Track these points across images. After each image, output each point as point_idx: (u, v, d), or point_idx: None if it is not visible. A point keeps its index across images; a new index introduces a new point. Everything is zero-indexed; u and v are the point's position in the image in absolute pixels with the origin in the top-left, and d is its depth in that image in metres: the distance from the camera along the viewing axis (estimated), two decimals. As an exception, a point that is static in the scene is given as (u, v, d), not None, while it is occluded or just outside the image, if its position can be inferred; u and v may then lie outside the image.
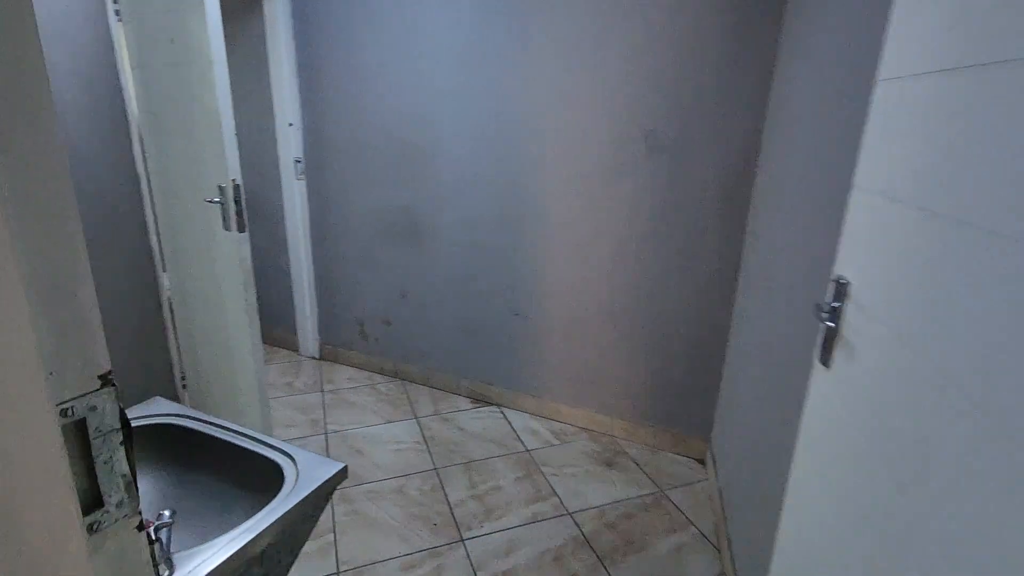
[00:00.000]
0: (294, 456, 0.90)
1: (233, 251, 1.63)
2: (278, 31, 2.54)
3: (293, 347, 3.13)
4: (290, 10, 2.55)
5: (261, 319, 3.22)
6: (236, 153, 1.57)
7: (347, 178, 2.67)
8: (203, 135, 1.63)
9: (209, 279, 1.87)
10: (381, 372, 2.89)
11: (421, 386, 2.77)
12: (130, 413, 1.03)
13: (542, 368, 2.44)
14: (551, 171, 2.18)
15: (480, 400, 2.64)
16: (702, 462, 2.19)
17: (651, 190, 2.03)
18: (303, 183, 2.78)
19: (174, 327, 2.26)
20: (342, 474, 0.91)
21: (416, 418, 2.48)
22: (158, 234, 2.15)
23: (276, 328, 3.17)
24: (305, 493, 0.82)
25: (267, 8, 2.53)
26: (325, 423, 2.42)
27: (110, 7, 1.89)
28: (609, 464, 2.18)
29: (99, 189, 1.95)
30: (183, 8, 1.53)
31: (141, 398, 2.24)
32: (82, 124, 1.87)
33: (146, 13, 1.78)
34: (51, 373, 0.40)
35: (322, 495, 0.86)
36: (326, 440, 2.29)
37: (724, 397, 2.03)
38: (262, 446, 0.94)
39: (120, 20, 1.93)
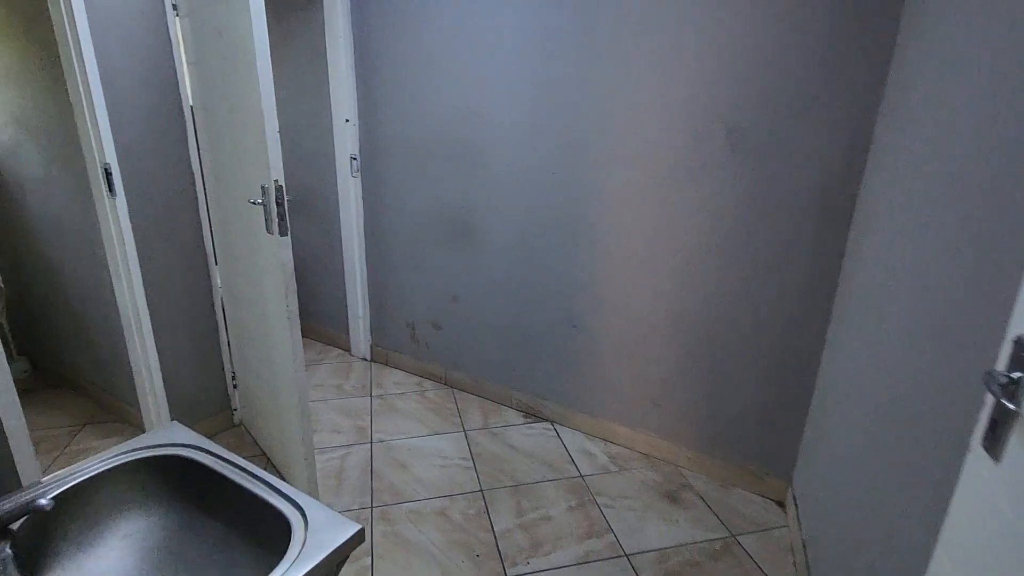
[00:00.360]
0: (306, 512, 0.78)
1: (274, 255, 1.54)
2: (337, 24, 2.46)
3: (345, 347, 3.09)
4: (349, 2, 2.46)
5: (316, 317, 3.22)
6: (279, 152, 1.47)
7: (400, 176, 2.57)
8: (248, 133, 1.55)
9: (254, 281, 1.81)
10: (430, 377, 2.79)
11: (470, 395, 2.65)
12: (146, 439, 0.94)
13: (600, 385, 2.25)
14: (616, 171, 1.97)
15: (532, 415, 2.47)
16: (781, 504, 1.93)
17: (732, 194, 1.78)
18: (358, 180, 2.71)
19: (225, 325, 2.24)
20: (357, 538, 0.77)
21: (464, 431, 2.35)
22: (211, 231, 2.13)
23: (330, 327, 3.14)
24: (313, 563, 0.69)
25: (326, 0, 2.45)
26: (371, 431, 2.34)
27: (168, 1, 1.85)
28: (672, 499, 1.96)
29: (156, 185, 1.93)
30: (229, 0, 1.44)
31: (195, 396, 2.24)
32: (140, 120, 1.85)
33: (199, 6, 1.73)
34: None
35: (333, 563, 0.74)
36: (371, 450, 2.20)
37: (811, 435, 1.76)
38: (274, 494, 0.82)
39: (177, 15, 1.89)
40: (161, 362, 2.04)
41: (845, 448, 1.41)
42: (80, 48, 1.66)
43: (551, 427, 2.39)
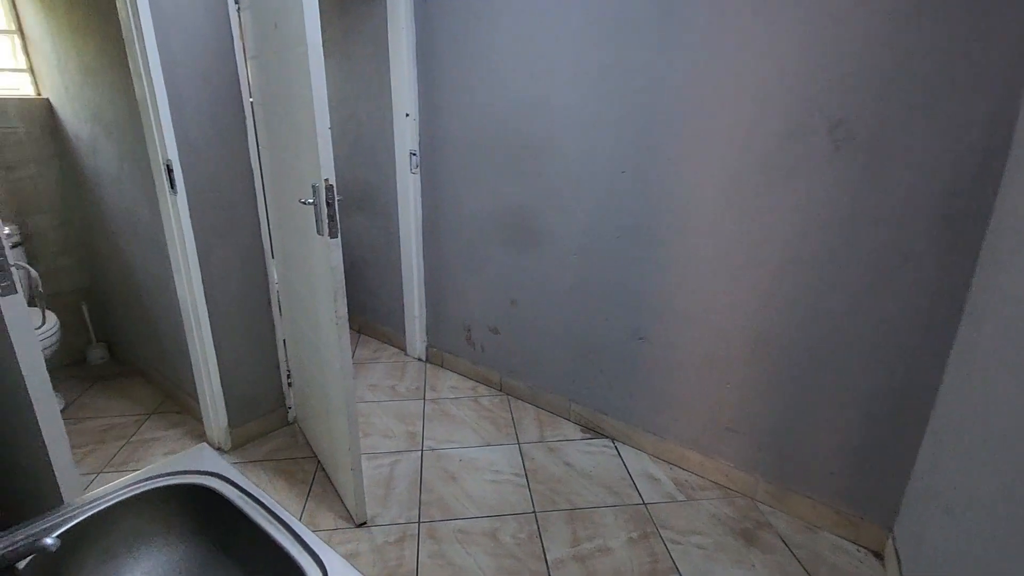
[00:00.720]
0: (328, 569, 0.67)
1: (324, 257, 1.47)
2: (399, 15, 2.38)
3: (401, 346, 3.04)
4: (412, -8, 2.37)
5: (373, 314, 3.19)
6: (330, 150, 1.39)
7: (459, 173, 2.46)
8: (301, 129, 1.48)
9: (306, 281, 1.76)
10: (486, 383, 2.68)
11: (527, 404, 2.52)
12: (172, 463, 0.86)
13: (668, 403, 2.05)
14: (694, 169, 1.77)
15: (592, 430, 2.31)
16: (879, 556, 1.68)
17: (835, 198, 1.54)
18: (417, 177, 2.63)
19: (281, 320, 2.22)
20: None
21: (519, 443, 2.22)
22: (269, 228, 2.10)
23: (386, 325, 3.10)
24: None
25: (389, -9, 2.37)
26: (423, 437, 2.26)
27: (230, -5, 1.82)
28: (747, 538, 1.75)
29: (216, 181, 1.92)
30: (283, -14, 1.37)
31: (251, 392, 2.24)
32: (201, 116, 1.84)
33: (258, -2, 1.68)
34: None
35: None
36: (421, 458, 2.12)
37: (922, 482, 1.50)
38: (297, 545, 0.72)
39: (239, 7, 1.86)
40: (218, 357, 2.04)
41: (971, 505, 1.16)
42: (144, 44, 1.65)
43: (611, 445, 2.22)
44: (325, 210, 1.42)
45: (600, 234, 2.06)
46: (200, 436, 2.23)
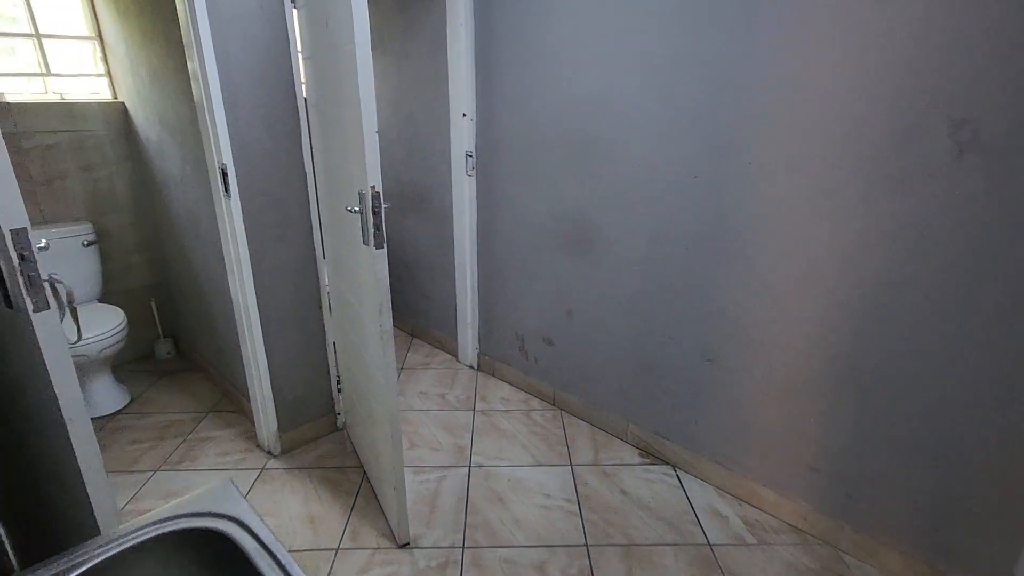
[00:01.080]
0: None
1: (369, 268, 1.39)
2: (458, 10, 2.28)
3: (453, 352, 2.97)
4: (472, -15, 2.27)
5: (426, 318, 3.14)
6: (377, 156, 1.30)
7: (516, 175, 2.34)
8: (349, 132, 1.40)
9: (353, 289, 1.69)
10: (538, 395, 2.56)
11: (581, 421, 2.37)
12: (192, 503, 0.79)
13: (739, 433, 1.86)
14: (782, 176, 1.56)
15: (651, 455, 2.14)
16: (994, 633, 1.42)
17: (955, 212, 1.30)
18: (473, 179, 2.53)
19: (332, 325, 2.18)
20: None
21: (571, 465, 2.09)
22: (321, 231, 2.06)
23: (439, 330, 3.04)
24: None
25: (448, -15, 2.28)
26: (471, 452, 2.16)
27: (286, -5, 1.78)
28: (831, 595, 1.54)
29: (270, 184, 1.89)
30: (334, -18, 1.29)
31: (301, 396, 2.22)
32: (256, 119, 1.81)
33: (313, -4, 1.62)
34: None
35: None
36: (468, 476, 2.02)
37: (1060, 555, 1.25)
38: None
39: (295, 6, 1.81)
40: (269, 360, 2.02)
41: None
42: (200, 46, 1.63)
43: (673, 473, 2.04)
44: (371, 219, 1.34)
45: (666, 243, 1.88)
46: (252, 438, 2.23)
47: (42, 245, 0.94)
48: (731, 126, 1.63)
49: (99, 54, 2.66)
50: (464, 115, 2.42)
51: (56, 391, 0.94)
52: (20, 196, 0.87)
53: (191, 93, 1.87)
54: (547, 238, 2.30)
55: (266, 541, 0.74)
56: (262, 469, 2.06)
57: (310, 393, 2.20)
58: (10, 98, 2.42)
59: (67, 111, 2.53)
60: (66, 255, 2.49)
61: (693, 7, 1.63)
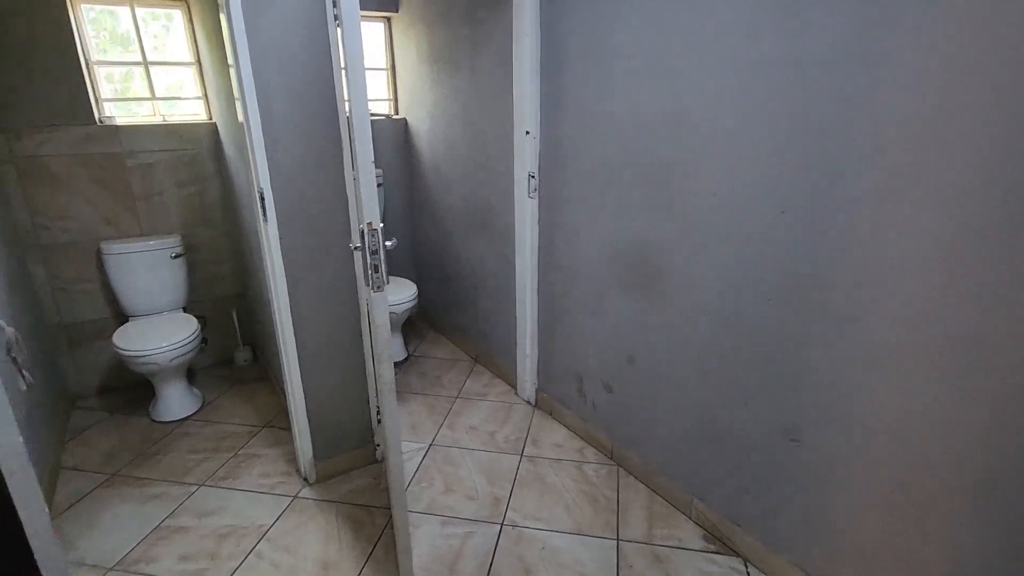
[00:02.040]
0: None
1: (368, 311, 1.23)
2: (524, 23, 2.10)
3: (512, 383, 2.77)
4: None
5: (488, 343, 2.96)
6: (374, 190, 1.15)
7: (580, 199, 2.09)
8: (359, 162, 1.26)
9: (372, 329, 1.55)
10: (596, 445, 2.27)
11: (640, 483, 2.05)
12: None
13: (828, 536, 1.45)
14: (899, 214, 1.17)
15: (717, 540, 1.78)
16: None
17: None
18: (535, 201, 2.32)
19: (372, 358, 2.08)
20: None
21: (617, 539, 1.79)
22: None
23: (500, 357, 2.86)
24: None
25: (516, -5, 2.11)
26: (507, 507, 1.95)
27: (330, 11, 1.70)
28: None
29: (308, 209, 1.83)
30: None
31: (339, 426, 2.11)
32: (294, 142, 1.76)
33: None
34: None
35: None
36: (498, 537, 1.81)
37: None
38: None
39: (338, 25, 1.73)
40: (304, 387, 1.97)
41: None
42: (239, 69, 1.60)
43: (743, 569, 1.67)
44: (369, 259, 1.19)
45: (745, 290, 1.54)
46: (293, 462, 2.20)
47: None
48: (832, 151, 1.27)
49: (198, 78, 2.83)
50: (527, 133, 2.23)
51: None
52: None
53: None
54: (608, 272, 2.02)
55: None
56: (294, 497, 2.01)
57: (348, 422, 2.11)
58: (119, 121, 2.64)
59: (167, 132, 2.71)
60: (156, 265, 2.66)
61: (792, 9, 1.29)
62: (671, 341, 1.82)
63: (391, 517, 1.89)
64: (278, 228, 1.77)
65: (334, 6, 1.66)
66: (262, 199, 1.73)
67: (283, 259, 1.80)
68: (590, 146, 1.99)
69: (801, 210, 1.36)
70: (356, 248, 1.27)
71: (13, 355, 0.92)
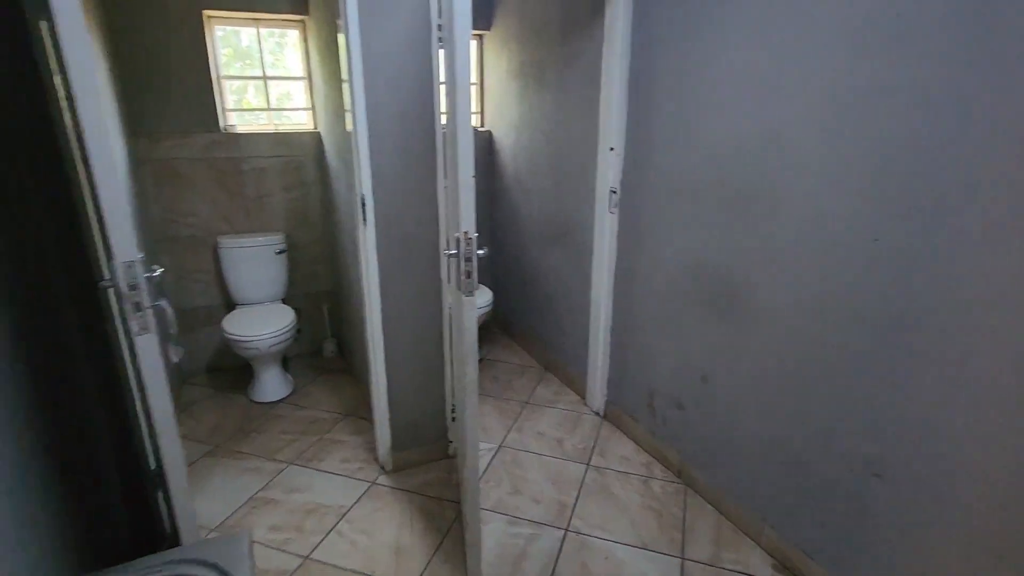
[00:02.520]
0: None
1: (458, 312, 1.33)
2: (615, 39, 2.15)
3: (582, 393, 2.80)
4: (631, 14, 2.12)
5: (559, 352, 3.02)
6: (471, 201, 1.24)
7: (661, 216, 2.11)
8: (453, 176, 1.37)
9: (456, 330, 1.65)
10: (663, 462, 2.26)
11: (707, 505, 2.03)
12: (202, 548, 0.80)
13: (914, 580, 1.38)
14: (1015, 246, 1.12)
15: (787, 570, 1.72)
16: None
17: None
18: (615, 217, 2.36)
19: (451, 353, 2.20)
20: None
21: (682, 558, 1.78)
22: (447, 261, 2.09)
23: (571, 367, 2.90)
24: None
25: (608, 12, 2.17)
26: (572, 514, 1.99)
27: (434, 33, 1.84)
28: None
29: (403, 214, 1.97)
30: (451, 23, 1.27)
31: (417, 420, 2.25)
32: (395, 152, 1.90)
33: (448, 32, 1.63)
34: None
35: None
36: (562, 542, 1.85)
37: None
38: None
39: (442, 45, 1.87)
40: (388, 380, 2.10)
41: None
42: (352, 83, 1.76)
43: (815, 604, 1.61)
44: (463, 265, 1.28)
45: (830, 319, 1.50)
46: (372, 450, 2.35)
47: (156, 274, 1.05)
48: (935, 179, 1.23)
49: (307, 91, 3.10)
50: (612, 149, 2.27)
51: (152, 407, 1.04)
52: (132, 232, 0.98)
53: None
54: (687, 290, 2.02)
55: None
56: (372, 483, 2.15)
57: (424, 418, 2.24)
58: (239, 129, 2.95)
59: (278, 140, 2.99)
60: (262, 260, 2.93)
61: (901, 31, 1.27)
62: (750, 363, 1.79)
63: (460, 511, 1.98)
64: (375, 232, 1.92)
65: (439, 28, 1.80)
66: (363, 204, 1.88)
67: (378, 261, 1.95)
68: (675, 164, 2.00)
69: (896, 241, 1.32)
70: (451, 254, 1.37)
71: (171, 331, 1.08)
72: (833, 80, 1.42)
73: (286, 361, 3.17)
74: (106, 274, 0.97)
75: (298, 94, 3.13)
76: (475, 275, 1.30)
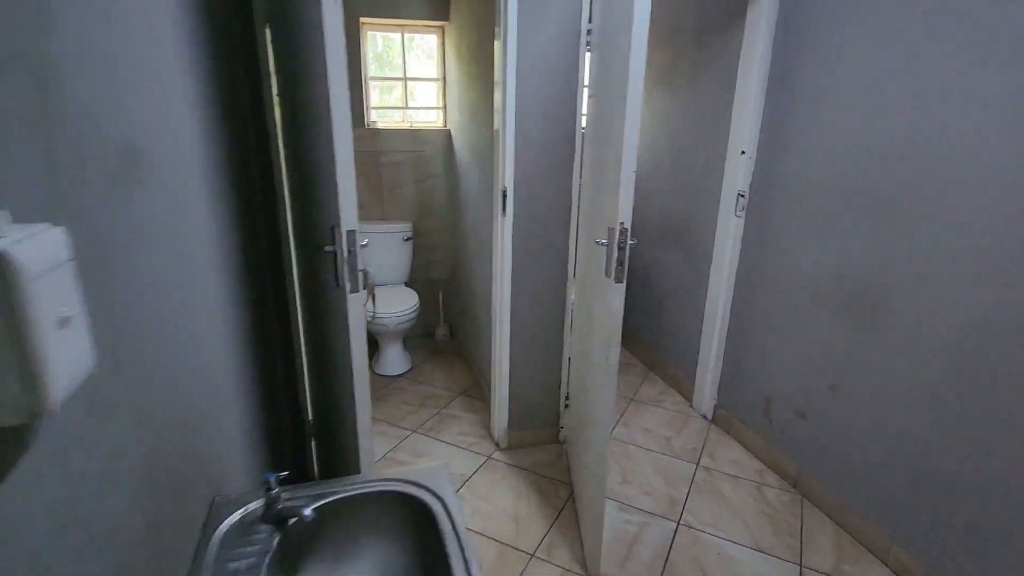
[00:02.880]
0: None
1: (605, 300, 1.43)
2: (755, 42, 2.16)
3: (687, 395, 2.81)
4: (775, 17, 2.11)
5: (664, 352, 3.04)
6: (631, 195, 1.33)
7: (793, 222, 2.09)
8: (610, 169, 1.47)
9: (589, 316, 1.75)
10: (776, 470, 2.23)
11: (825, 517, 1.98)
12: (413, 474, 0.95)
13: (1073, 617, 1.30)
14: None
15: (918, 593, 1.67)
16: None
17: None
18: (741, 220, 2.36)
19: (571, 344, 2.30)
20: None
21: (801, 565, 1.77)
22: (575, 255, 2.20)
23: (676, 368, 2.91)
24: None
25: (750, 15, 2.18)
26: (683, 508, 2.02)
27: (583, 38, 1.95)
28: None
29: (539, 208, 2.10)
30: (620, 26, 1.37)
31: (531, 404, 2.40)
32: (537, 150, 2.03)
33: (604, 39, 1.73)
34: None
35: None
36: (674, 533, 1.90)
37: None
38: None
39: (589, 49, 1.97)
40: (511, 363, 2.25)
41: None
42: (506, 85, 1.91)
43: (949, 630, 1.55)
44: (616, 254, 1.38)
45: (996, 335, 1.44)
46: (486, 427, 2.51)
47: (364, 243, 1.24)
48: None
49: (441, 92, 3.34)
50: (743, 152, 2.27)
51: (352, 355, 1.23)
52: (356, 207, 1.17)
53: (492, 125, 2.21)
54: (819, 295, 1.99)
55: (458, 527, 0.84)
56: (488, 457, 2.30)
57: (540, 402, 2.36)
58: (380, 125, 3.23)
59: (413, 136, 3.24)
60: (390, 246, 3.20)
61: (1089, 27, 1.21)
62: (888, 376, 1.74)
63: (572, 492, 2.08)
64: (513, 223, 2.07)
65: (588, 33, 1.91)
66: (504, 197, 2.03)
67: (512, 250, 2.09)
68: (812, 169, 1.98)
69: (1080, 251, 1.25)
70: (601, 244, 1.47)
71: (373, 292, 1.26)
72: (1002, 86, 1.37)
73: (404, 340, 3.42)
74: (332, 240, 1.16)
75: (425, 94, 3.36)
76: (626, 264, 1.39)
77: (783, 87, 2.11)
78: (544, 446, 2.40)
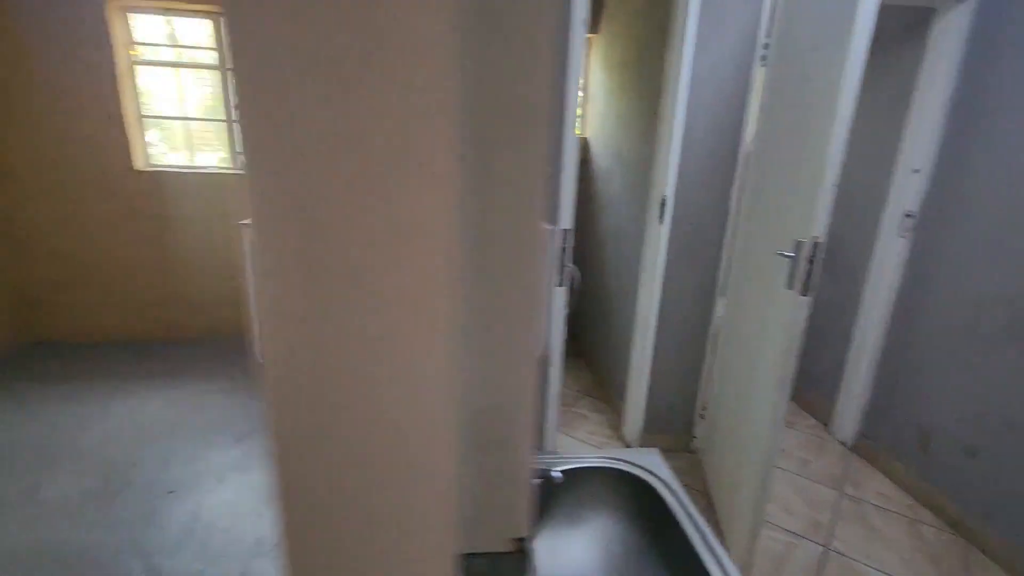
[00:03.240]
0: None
1: (786, 312, 1.44)
2: (939, 59, 2.06)
3: (824, 419, 2.70)
4: (966, 32, 2.01)
5: (801, 376, 2.93)
6: (828, 209, 1.34)
7: (973, 243, 1.97)
8: (800, 184, 1.48)
9: (754, 329, 1.76)
10: (930, 508, 2.10)
11: (996, 566, 1.85)
12: (631, 455, 1.03)
13: None
14: None
15: (1117, 660, 1.51)
16: None
17: None
18: (906, 242, 2.25)
19: (712, 356, 2.30)
20: None
21: (969, 610, 1.67)
22: (727, 266, 2.20)
23: (812, 391, 2.81)
24: None
25: (935, 30, 2.08)
26: (831, 534, 1.96)
27: (758, 53, 1.96)
28: None
29: (695, 218, 2.13)
30: (829, 44, 1.38)
31: (666, 411, 2.43)
32: (699, 161, 2.07)
33: (790, 53, 1.74)
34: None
35: None
36: (823, 558, 1.85)
37: None
38: (715, 565, 0.75)
39: (763, 64, 1.98)
40: (652, 369, 2.28)
41: None
42: (675, 97, 1.96)
43: None
44: (805, 267, 1.39)
45: None
46: (614, 428, 2.56)
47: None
48: None
49: (583, 102, 3.44)
50: (916, 171, 2.17)
51: (551, 347, 1.34)
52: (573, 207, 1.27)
53: (648, 134, 2.26)
54: (997, 327, 1.86)
55: (687, 505, 0.91)
56: (620, 458, 2.35)
57: (675, 410, 2.38)
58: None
59: (550, 142, 3.37)
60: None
61: None
62: (1089, 418, 1.61)
63: (710, 501, 2.08)
64: (669, 230, 2.11)
65: (765, 47, 1.92)
66: (663, 205, 2.08)
67: (666, 256, 2.14)
68: (1003, 189, 1.86)
69: None
70: (786, 256, 1.49)
71: (575, 286, 1.37)
72: None
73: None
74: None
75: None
76: (813, 277, 1.40)
77: (969, 106, 1.99)
78: (675, 454, 2.41)
